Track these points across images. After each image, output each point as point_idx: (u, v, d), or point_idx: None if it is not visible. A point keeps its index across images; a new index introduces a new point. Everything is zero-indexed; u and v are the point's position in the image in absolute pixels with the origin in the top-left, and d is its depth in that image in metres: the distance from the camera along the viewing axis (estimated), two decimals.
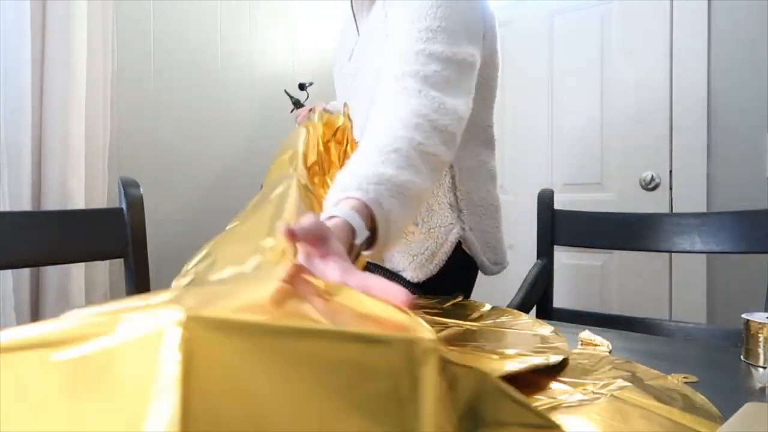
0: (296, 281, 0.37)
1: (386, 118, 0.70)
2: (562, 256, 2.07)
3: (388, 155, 0.63)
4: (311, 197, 0.78)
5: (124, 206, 0.98)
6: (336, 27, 2.08)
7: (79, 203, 1.27)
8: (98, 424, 0.24)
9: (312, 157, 0.90)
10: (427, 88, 0.73)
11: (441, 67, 0.75)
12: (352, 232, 0.54)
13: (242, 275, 0.51)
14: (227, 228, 0.70)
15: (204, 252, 0.65)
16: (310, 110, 1.04)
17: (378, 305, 0.37)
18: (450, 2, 0.78)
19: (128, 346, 0.25)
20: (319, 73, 2.04)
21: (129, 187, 0.99)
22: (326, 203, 0.62)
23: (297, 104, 1.08)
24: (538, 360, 0.57)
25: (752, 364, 0.64)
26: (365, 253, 0.61)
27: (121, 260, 0.99)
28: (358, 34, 1.05)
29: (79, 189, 1.27)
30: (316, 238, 0.45)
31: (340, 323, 0.33)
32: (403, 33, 0.77)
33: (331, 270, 0.44)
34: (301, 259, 0.46)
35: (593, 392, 0.52)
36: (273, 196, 0.72)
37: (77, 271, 1.27)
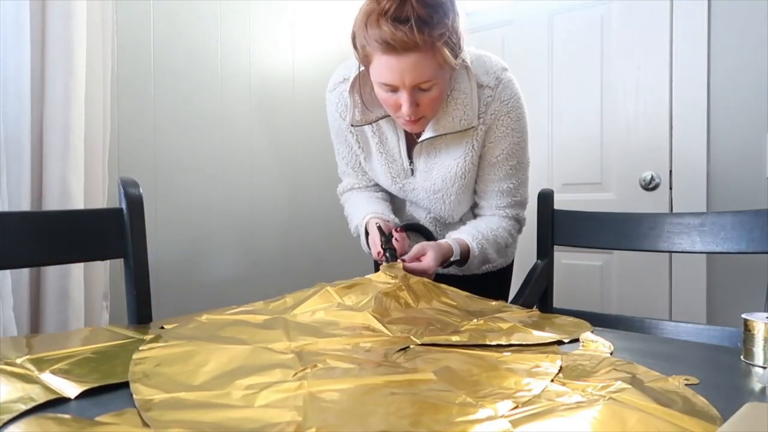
0: None
1: (499, 222, 1.15)
2: (562, 256, 2.07)
3: (496, 241, 1.12)
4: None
5: (124, 206, 0.98)
6: (335, 27, 2.08)
7: (79, 203, 1.27)
8: None
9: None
10: (518, 210, 1.18)
11: (524, 197, 1.19)
12: (450, 251, 1.06)
13: None
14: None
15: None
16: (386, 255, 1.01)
17: None
18: (524, 148, 1.13)
19: None
20: (318, 73, 2.04)
21: (129, 187, 0.99)
22: (452, 234, 1.12)
23: (388, 242, 1.02)
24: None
25: (752, 364, 0.64)
26: (455, 268, 1.15)
27: (121, 260, 0.99)
28: (408, 147, 1.12)
29: (79, 189, 1.27)
30: (416, 256, 1.01)
31: None
32: (501, 177, 1.13)
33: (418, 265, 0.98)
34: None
35: (592, 394, 0.52)
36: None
37: (77, 271, 1.27)
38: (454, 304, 0.90)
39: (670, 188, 1.91)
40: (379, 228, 1.05)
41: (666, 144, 1.92)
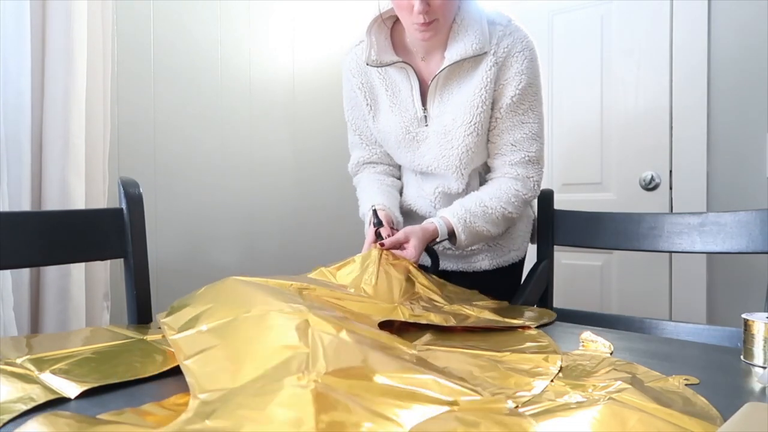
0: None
1: (498, 189, 1.11)
2: (562, 256, 2.07)
3: (485, 214, 1.09)
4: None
5: (124, 206, 0.98)
6: (335, 27, 2.08)
7: (79, 203, 1.27)
8: None
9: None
10: (529, 171, 1.12)
11: (538, 154, 1.13)
12: (436, 232, 1.06)
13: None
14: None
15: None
16: (380, 243, 1.02)
17: None
18: (537, 94, 1.11)
19: None
20: (318, 73, 2.04)
21: (129, 187, 0.99)
22: (439, 212, 1.11)
23: (379, 224, 1.07)
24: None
25: (752, 364, 0.64)
26: (451, 247, 1.17)
27: (121, 260, 0.99)
28: (423, 95, 1.12)
29: (79, 189, 1.27)
30: (399, 242, 1.02)
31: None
32: (513, 124, 1.10)
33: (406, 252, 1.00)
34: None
35: (592, 394, 0.52)
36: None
37: (77, 271, 1.27)
38: (434, 289, 0.96)
39: (670, 188, 1.91)
40: (375, 213, 1.10)
41: (666, 144, 1.92)
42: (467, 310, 0.87)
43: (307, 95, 2.01)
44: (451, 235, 1.08)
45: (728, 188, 1.80)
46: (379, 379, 0.49)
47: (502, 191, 1.11)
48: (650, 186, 1.93)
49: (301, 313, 0.59)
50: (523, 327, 0.82)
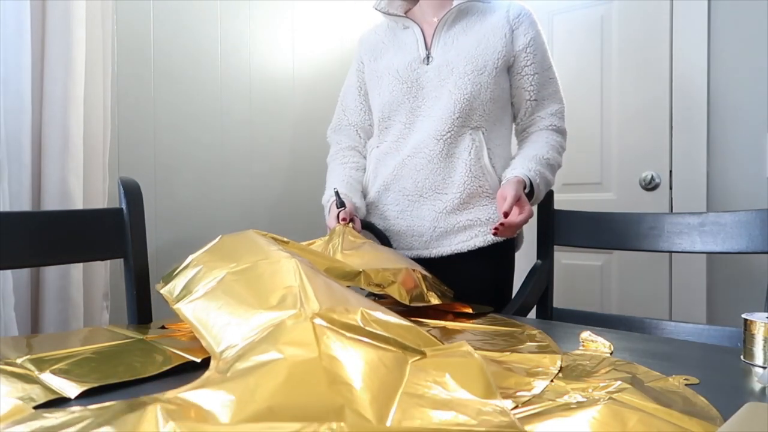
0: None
1: (547, 141, 1.23)
2: (562, 256, 2.07)
3: (547, 163, 1.20)
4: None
5: (124, 206, 0.98)
6: (335, 27, 2.08)
7: (78, 203, 1.27)
8: None
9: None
10: (564, 125, 1.27)
11: (563, 115, 1.28)
12: (524, 184, 1.12)
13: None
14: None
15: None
16: (344, 221, 1.09)
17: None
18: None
19: None
20: (318, 72, 2.04)
21: (129, 187, 0.99)
22: (509, 173, 1.16)
23: (342, 204, 1.13)
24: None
25: (752, 364, 0.64)
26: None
27: (121, 260, 0.99)
28: (427, 43, 1.22)
29: (79, 189, 1.27)
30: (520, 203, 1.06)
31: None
32: (548, 78, 1.25)
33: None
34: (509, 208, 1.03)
35: (592, 394, 0.52)
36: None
37: (77, 271, 1.27)
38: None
39: (670, 188, 1.91)
40: (337, 194, 1.15)
41: (666, 144, 1.92)
42: (425, 288, 0.95)
43: (307, 95, 2.01)
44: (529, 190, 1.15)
45: (728, 188, 1.80)
46: (364, 322, 0.56)
47: (550, 143, 1.22)
48: (650, 186, 1.93)
49: (287, 259, 0.65)
50: (463, 312, 0.93)
